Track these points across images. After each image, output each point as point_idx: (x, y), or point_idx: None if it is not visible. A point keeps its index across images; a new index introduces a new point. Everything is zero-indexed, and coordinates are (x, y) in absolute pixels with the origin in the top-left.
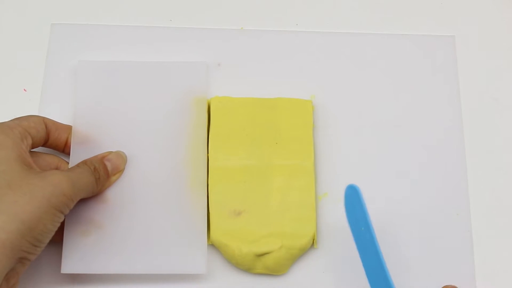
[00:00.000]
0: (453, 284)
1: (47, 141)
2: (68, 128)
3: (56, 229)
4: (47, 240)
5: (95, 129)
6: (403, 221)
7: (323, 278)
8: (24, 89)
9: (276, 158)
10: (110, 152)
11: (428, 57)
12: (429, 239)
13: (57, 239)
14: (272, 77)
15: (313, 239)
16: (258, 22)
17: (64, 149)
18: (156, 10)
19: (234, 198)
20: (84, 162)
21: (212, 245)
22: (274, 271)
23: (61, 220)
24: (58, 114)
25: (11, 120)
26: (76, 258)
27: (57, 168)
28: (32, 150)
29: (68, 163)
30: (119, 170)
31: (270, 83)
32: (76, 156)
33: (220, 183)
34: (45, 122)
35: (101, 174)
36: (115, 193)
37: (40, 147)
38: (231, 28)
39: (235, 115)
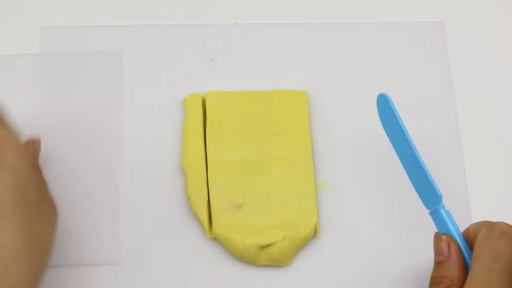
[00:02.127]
0: None
1: None
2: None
3: None
4: None
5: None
6: (400, 205)
7: (327, 267)
8: None
9: (274, 150)
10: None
11: (419, 43)
12: (427, 225)
13: None
14: (265, 70)
15: (315, 229)
16: (252, 16)
17: None
18: (156, 10)
19: (235, 192)
20: None
21: (215, 239)
22: (278, 262)
23: None
24: (55, 113)
25: None
26: None
27: None
28: None
29: None
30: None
31: (264, 76)
32: None
33: (219, 177)
34: None
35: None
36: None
37: None
38: (225, 23)
39: (231, 109)
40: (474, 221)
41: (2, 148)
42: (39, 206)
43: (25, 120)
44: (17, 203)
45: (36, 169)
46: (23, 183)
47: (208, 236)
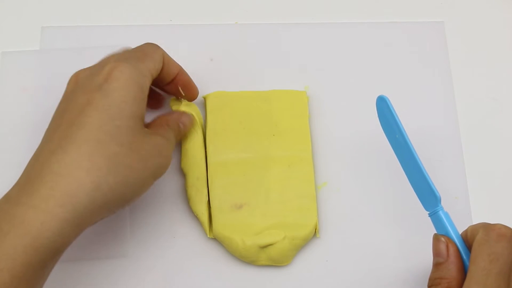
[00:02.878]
0: None
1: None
2: (177, 66)
3: None
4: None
5: None
6: (400, 206)
7: (327, 267)
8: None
9: (274, 150)
10: (183, 113)
11: (419, 43)
12: (427, 225)
13: None
14: (265, 70)
15: (315, 229)
16: (252, 16)
17: (165, 85)
18: (156, 10)
19: (235, 192)
20: (169, 125)
21: (215, 239)
22: (278, 262)
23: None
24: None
25: (138, 58)
26: None
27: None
28: None
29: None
30: (185, 132)
31: (264, 76)
32: None
33: (219, 177)
34: (163, 58)
35: (176, 137)
36: None
37: None
38: (225, 23)
39: (231, 109)
40: (474, 221)
41: (112, 77)
42: (130, 133)
43: (26, 120)
44: (102, 121)
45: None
46: (116, 107)
47: (208, 236)
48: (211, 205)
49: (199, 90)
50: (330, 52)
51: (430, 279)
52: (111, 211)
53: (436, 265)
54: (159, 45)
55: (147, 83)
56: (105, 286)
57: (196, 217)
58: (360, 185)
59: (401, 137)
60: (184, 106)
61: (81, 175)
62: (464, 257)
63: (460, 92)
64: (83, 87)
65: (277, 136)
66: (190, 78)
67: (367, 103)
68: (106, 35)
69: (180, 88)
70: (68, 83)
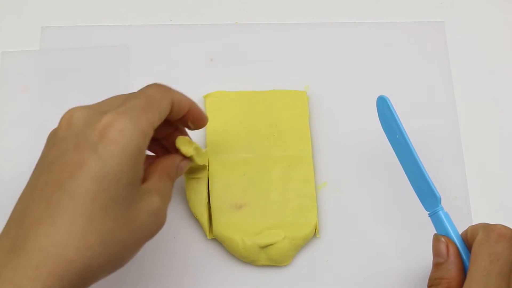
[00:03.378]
0: None
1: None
2: (187, 103)
3: None
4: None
5: None
6: (400, 206)
7: (327, 267)
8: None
9: (275, 150)
10: (183, 159)
11: (419, 43)
12: (427, 225)
13: None
14: (265, 70)
15: (315, 229)
16: (252, 16)
17: (174, 121)
18: (156, 10)
19: (235, 192)
20: (168, 176)
21: (215, 239)
22: (278, 262)
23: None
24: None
25: (141, 108)
26: None
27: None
28: None
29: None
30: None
31: (264, 76)
32: None
33: (220, 177)
34: (173, 102)
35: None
36: None
37: None
38: (225, 23)
39: (231, 109)
40: (474, 221)
41: (109, 138)
42: (125, 204)
43: (26, 120)
44: (96, 193)
45: (137, 167)
46: (112, 176)
47: (208, 238)
48: (211, 205)
49: (198, 91)
50: (330, 52)
51: (430, 279)
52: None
53: (436, 265)
54: (165, 85)
55: (147, 141)
56: (105, 287)
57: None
58: (360, 185)
59: (402, 137)
60: (194, 150)
61: (71, 255)
62: (464, 257)
63: (460, 92)
64: (76, 139)
65: (277, 136)
66: (201, 110)
67: (367, 103)
68: (106, 35)
69: (189, 122)
70: (61, 122)
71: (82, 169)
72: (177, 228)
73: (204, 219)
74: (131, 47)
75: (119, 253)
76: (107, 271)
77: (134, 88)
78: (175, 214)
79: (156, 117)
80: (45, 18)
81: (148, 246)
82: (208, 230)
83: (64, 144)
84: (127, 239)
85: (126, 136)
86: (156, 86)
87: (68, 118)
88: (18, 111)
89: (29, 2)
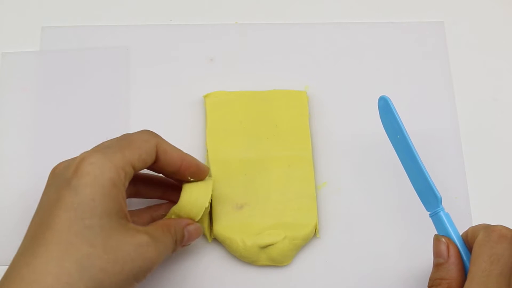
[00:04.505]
0: None
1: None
2: (178, 155)
3: None
4: None
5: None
6: (400, 206)
7: (327, 267)
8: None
9: (275, 150)
10: (193, 222)
11: (419, 43)
12: (427, 225)
13: None
14: (265, 70)
15: (315, 229)
16: (252, 16)
17: (171, 175)
18: (156, 10)
19: (236, 192)
20: (169, 230)
21: (215, 239)
22: (278, 262)
23: None
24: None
25: (119, 147)
26: None
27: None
28: None
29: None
30: (189, 243)
31: (264, 76)
32: None
33: (220, 177)
34: (158, 149)
35: (177, 245)
36: None
37: None
38: (225, 23)
39: (231, 109)
40: (474, 222)
41: (81, 171)
42: (104, 232)
43: (26, 120)
44: (71, 221)
45: (115, 201)
46: (85, 205)
47: (209, 241)
48: (211, 205)
49: (198, 91)
50: (330, 52)
51: (430, 280)
52: None
53: (437, 265)
54: (154, 132)
55: (122, 177)
56: None
57: None
58: (360, 185)
59: (403, 137)
60: (195, 184)
61: (49, 281)
62: (465, 258)
63: (460, 92)
64: (56, 182)
65: (277, 136)
66: (197, 163)
67: (367, 103)
68: (106, 35)
69: (188, 176)
70: (49, 176)
71: (58, 202)
72: None
73: (204, 223)
74: (131, 47)
75: (100, 281)
76: None
77: (134, 88)
78: None
79: (135, 157)
80: (45, 18)
81: None
82: (209, 234)
83: (48, 190)
84: (109, 267)
85: (98, 169)
86: (142, 131)
87: (53, 169)
88: (18, 112)
89: (29, 2)
